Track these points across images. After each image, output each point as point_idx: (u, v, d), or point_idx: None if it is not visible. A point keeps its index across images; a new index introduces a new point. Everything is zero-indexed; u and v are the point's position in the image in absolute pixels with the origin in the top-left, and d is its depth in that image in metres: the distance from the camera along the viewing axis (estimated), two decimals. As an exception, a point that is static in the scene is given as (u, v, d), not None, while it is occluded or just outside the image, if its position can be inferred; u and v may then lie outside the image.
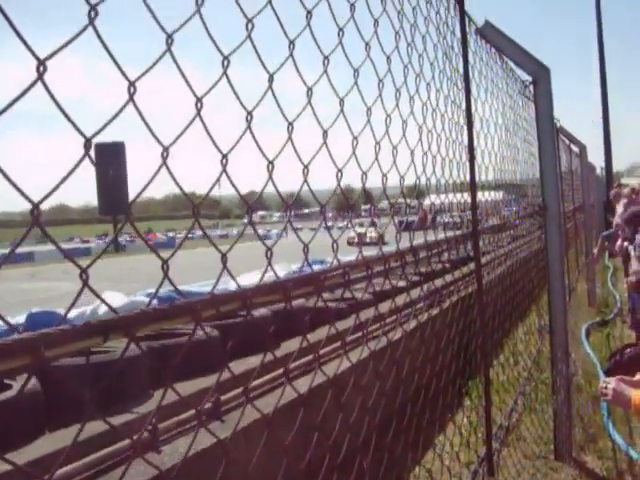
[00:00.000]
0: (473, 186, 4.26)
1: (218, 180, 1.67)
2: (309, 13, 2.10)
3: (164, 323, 1.46)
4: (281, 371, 4.70)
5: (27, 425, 4.31)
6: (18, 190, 1.15)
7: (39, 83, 1.19)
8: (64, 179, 1.24)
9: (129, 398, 4.80)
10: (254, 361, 5.26)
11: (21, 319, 7.36)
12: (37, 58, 1.18)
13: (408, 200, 3.60)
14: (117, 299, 7.06)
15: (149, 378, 5.09)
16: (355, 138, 2.42)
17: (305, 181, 2.08)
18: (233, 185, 1.74)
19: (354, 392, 2.80)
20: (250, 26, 1.77)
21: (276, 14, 1.92)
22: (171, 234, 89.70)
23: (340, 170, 2.29)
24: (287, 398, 2.34)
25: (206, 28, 1.62)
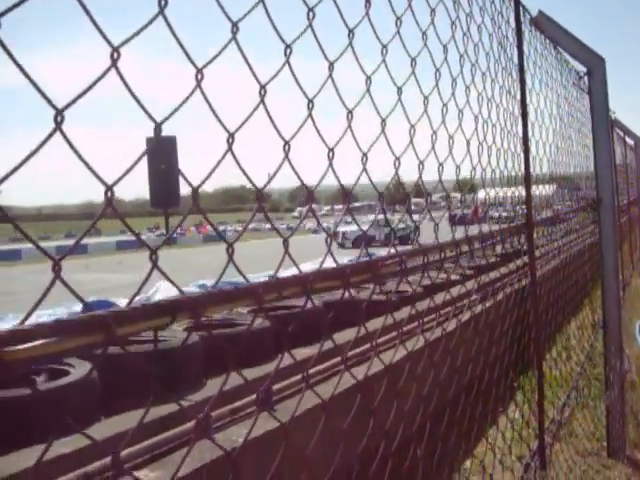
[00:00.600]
0: (527, 177, 4.23)
1: (279, 167, 1.69)
2: (367, 2, 2.11)
3: (228, 305, 1.50)
4: (335, 360, 4.73)
5: (85, 410, 4.41)
6: (94, 173, 1.19)
7: (112, 70, 1.22)
8: (133, 165, 1.28)
9: (183, 386, 4.88)
10: (304, 352, 5.29)
11: (78, 308, 7.54)
12: (111, 45, 1.21)
13: (458, 195, 3.58)
14: (171, 290, 7.14)
15: (202, 367, 5.16)
16: (412, 127, 2.43)
17: (364, 169, 2.09)
18: (296, 172, 1.76)
19: (407, 383, 2.81)
20: (311, 15, 1.79)
21: (336, 3, 1.94)
22: (222, 227, 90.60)
23: (398, 158, 2.30)
24: (342, 387, 2.36)
25: (269, 17, 1.65)
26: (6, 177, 1.04)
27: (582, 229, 8.76)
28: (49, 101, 1.09)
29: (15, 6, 1.08)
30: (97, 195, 1.26)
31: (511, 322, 4.61)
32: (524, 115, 4.30)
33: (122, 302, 8.75)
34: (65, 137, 1.10)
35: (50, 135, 1.09)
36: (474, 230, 3.50)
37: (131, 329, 1.24)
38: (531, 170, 4.35)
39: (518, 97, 4.29)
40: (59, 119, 1.10)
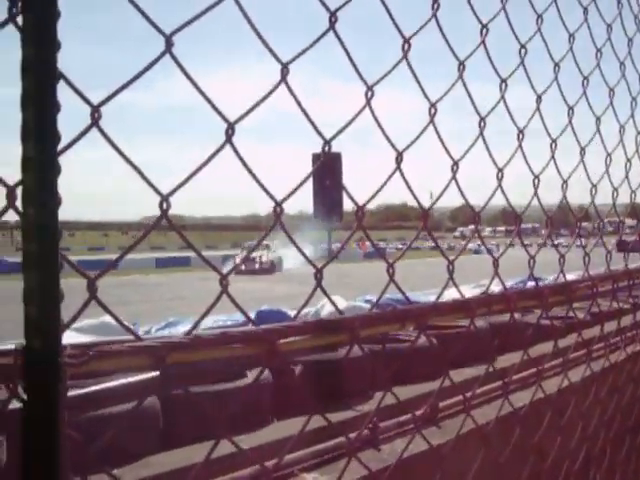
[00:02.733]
0: None
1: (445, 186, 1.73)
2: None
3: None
4: (499, 383, 4.67)
5: (259, 412, 4.62)
6: (264, 189, 1.28)
7: (282, 85, 1.28)
8: (303, 182, 1.40)
9: (351, 397, 4.97)
10: (470, 372, 5.23)
11: (250, 316, 7.83)
12: (280, 62, 1.26)
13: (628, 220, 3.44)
14: (339, 303, 7.25)
15: (370, 379, 5.23)
16: (583, 149, 2.37)
17: (536, 192, 2.09)
18: (462, 193, 1.80)
19: (573, 415, 2.75)
20: (484, 31, 1.80)
21: (509, 21, 1.94)
22: (382, 244, 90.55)
23: (565, 181, 2.26)
24: (505, 411, 2.36)
25: (443, 34, 1.66)
26: (179, 187, 1.13)
27: None
28: (221, 114, 1.16)
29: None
30: (263, 207, 1.32)
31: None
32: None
33: (291, 314, 8.81)
34: (235, 150, 1.18)
35: (221, 147, 1.16)
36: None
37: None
38: None
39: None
40: (230, 132, 1.16)
